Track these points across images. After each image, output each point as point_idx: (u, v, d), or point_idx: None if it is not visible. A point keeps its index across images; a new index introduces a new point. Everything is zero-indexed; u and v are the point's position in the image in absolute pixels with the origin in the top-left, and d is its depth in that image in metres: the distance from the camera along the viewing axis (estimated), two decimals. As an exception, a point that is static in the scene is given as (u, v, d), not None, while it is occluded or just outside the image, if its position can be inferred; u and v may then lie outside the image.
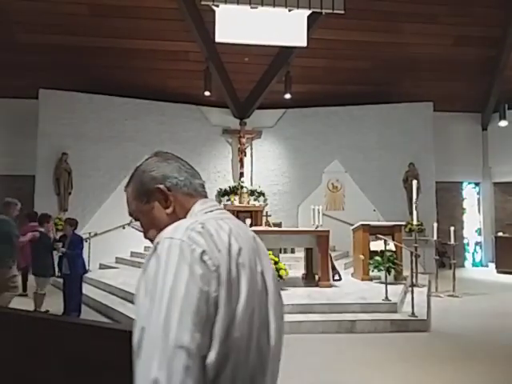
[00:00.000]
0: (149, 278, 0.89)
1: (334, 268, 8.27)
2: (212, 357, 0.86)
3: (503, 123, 12.47)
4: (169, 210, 1.10)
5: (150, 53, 10.87)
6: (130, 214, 1.16)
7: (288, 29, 8.63)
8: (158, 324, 0.83)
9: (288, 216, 12.20)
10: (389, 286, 6.78)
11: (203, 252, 0.90)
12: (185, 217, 1.07)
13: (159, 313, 0.84)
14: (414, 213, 9.30)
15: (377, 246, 8.20)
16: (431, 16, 10.59)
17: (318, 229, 8.25)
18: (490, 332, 6.12)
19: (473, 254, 13.58)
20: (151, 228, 1.09)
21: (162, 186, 1.10)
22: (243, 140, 12.37)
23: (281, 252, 8.83)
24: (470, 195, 13.69)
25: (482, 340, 5.75)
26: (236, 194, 12.08)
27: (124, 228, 11.26)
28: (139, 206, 1.13)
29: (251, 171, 12.63)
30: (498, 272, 11.80)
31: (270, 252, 7.40)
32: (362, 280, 8.40)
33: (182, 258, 0.89)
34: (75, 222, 6.76)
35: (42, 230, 6.54)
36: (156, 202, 1.10)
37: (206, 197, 1.15)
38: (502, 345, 5.55)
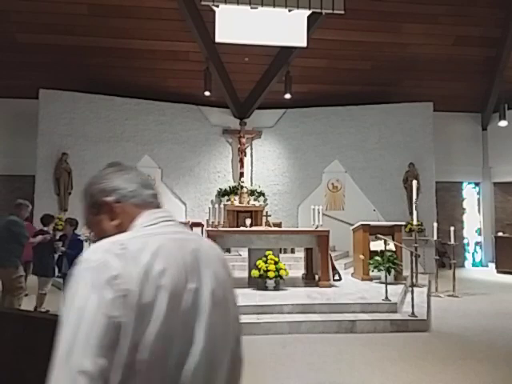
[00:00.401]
0: (66, 298, 0.93)
1: (333, 268, 8.27)
2: (116, 379, 0.88)
3: (503, 123, 12.44)
4: (114, 222, 1.11)
5: (149, 53, 10.87)
6: (87, 225, 1.18)
7: (288, 29, 8.61)
8: (63, 348, 0.87)
9: (288, 216, 12.20)
10: (389, 286, 6.78)
11: (115, 276, 0.91)
12: (130, 229, 1.09)
13: (65, 337, 0.88)
14: (414, 213, 9.29)
15: (377, 245, 8.20)
16: (431, 16, 10.58)
17: (318, 229, 8.24)
18: (489, 332, 6.11)
19: (473, 254, 13.58)
20: (101, 239, 1.09)
21: (107, 199, 1.12)
22: (243, 140, 12.37)
23: (281, 252, 8.82)
24: (470, 195, 13.69)
25: (482, 340, 5.74)
26: (236, 194, 12.08)
27: (124, 228, 11.28)
28: (90, 218, 1.15)
29: (251, 171, 12.63)
30: (498, 272, 11.81)
31: (270, 252, 7.42)
32: (362, 280, 8.41)
33: (92, 282, 0.90)
34: (76, 221, 6.77)
35: (45, 229, 6.58)
36: (105, 215, 1.12)
37: (157, 207, 1.15)
38: (501, 345, 5.54)
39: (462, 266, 12.84)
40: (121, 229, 1.09)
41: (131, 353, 0.89)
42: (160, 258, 0.97)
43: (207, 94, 11.04)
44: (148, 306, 0.92)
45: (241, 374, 1.17)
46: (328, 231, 7.94)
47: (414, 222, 9.37)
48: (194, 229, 10.05)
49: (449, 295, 8.44)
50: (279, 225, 10.67)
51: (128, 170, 1.19)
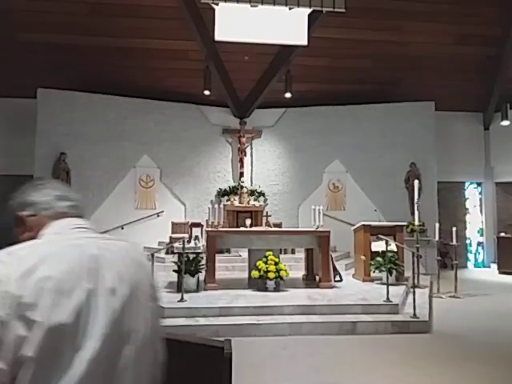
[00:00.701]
0: None
1: (334, 269, 8.20)
2: (7, 373, 0.97)
3: (505, 123, 12.43)
4: (28, 234, 1.21)
5: (149, 52, 10.81)
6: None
7: (288, 27, 8.54)
8: None
9: (288, 216, 12.13)
10: (390, 287, 6.74)
11: None
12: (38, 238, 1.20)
13: None
14: (416, 213, 9.20)
15: (378, 246, 8.14)
16: (433, 15, 10.52)
17: (319, 229, 8.17)
18: (491, 333, 6.06)
19: (475, 254, 13.51)
20: None
21: (23, 213, 1.23)
22: (243, 139, 12.31)
23: (281, 253, 8.77)
24: (472, 195, 13.63)
25: (484, 341, 5.69)
26: (236, 194, 12.02)
27: (123, 228, 11.22)
28: (15, 231, 1.26)
29: (251, 171, 12.57)
30: (500, 273, 11.74)
31: (270, 252, 7.36)
32: (364, 281, 8.35)
33: None
34: None
35: None
36: (22, 227, 1.23)
37: (75, 217, 1.25)
38: (503, 346, 5.49)
39: (464, 266, 12.79)
40: (34, 239, 1.18)
41: (18, 349, 0.97)
42: (47, 263, 1.04)
43: (207, 93, 10.98)
44: (30, 307, 0.99)
45: (159, 367, 1.24)
46: (329, 232, 7.88)
47: (416, 223, 9.29)
48: (194, 229, 9.98)
49: (450, 296, 8.38)
50: (279, 225, 10.62)
51: (46, 185, 1.29)
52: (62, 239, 1.15)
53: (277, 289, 7.19)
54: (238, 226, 10.48)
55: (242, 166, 12.30)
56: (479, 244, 13.53)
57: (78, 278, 1.06)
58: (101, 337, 1.04)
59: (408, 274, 8.18)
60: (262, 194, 12.23)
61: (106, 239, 1.22)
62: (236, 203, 11.74)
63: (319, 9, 8.20)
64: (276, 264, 7.22)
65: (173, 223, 10.91)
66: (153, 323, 1.20)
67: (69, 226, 1.21)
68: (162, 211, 11.69)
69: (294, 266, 9.20)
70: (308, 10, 8.35)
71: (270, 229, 8.80)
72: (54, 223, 1.21)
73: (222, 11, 8.27)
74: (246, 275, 8.04)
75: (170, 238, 10.02)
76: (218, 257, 7.82)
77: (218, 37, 8.50)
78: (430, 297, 8.13)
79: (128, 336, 1.10)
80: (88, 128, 11.15)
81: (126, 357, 1.10)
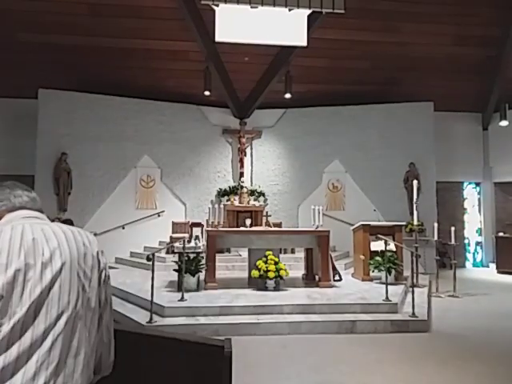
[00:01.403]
0: None
1: (334, 268, 8.24)
2: None
3: (504, 123, 12.45)
4: None
5: (149, 52, 10.84)
6: None
7: (288, 28, 8.57)
8: None
9: (288, 216, 12.17)
10: (389, 287, 6.77)
11: None
12: None
13: None
14: (415, 213, 9.26)
15: (377, 246, 8.17)
16: (432, 15, 10.54)
17: (319, 229, 8.21)
18: (490, 332, 6.09)
19: (473, 254, 13.55)
20: None
21: None
22: (243, 140, 12.34)
23: (281, 252, 8.80)
24: (471, 195, 13.67)
25: (483, 340, 5.72)
26: (236, 194, 12.05)
27: (123, 228, 11.26)
28: None
29: (251, 171, 12.60)
30: (499, 272, 11.78)
31: (270, 252, 7.40)
32: (363, 280, 8.38)
33: None
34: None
35: None
36: None
37: (32, 210, 1.46)
38: (502, 345, 5.52)
39: (463, 266, 12.82)
40: None
41: None
42: None
43: (207, 93, 11.02)
44: None
45: (100, 340, 1.39)
46: (328, 231, 7.91)
47: (415, 222, 9.35)
48: (194, 229, 10.03)
49: (449, 295, 8.41)
50: (279, 225, 10.65)
51: (7, 185, 1.50)
52: (10, 225, 1.31)
53: (276, 288, 7.23)
54: (238, 226, 10.52)
55: (242, 166, 12.34)
56: (478, 244, 13.57)
57: (16, 255, 1.21)
58: (29, 303, 1.18)
59: (407, 273, 8.23)
60: (261, 193, 12.27)
61: (53, 225, 1.39)
62: (236, 203, 11.77)
63: (319, 10, 8.23)
64: (276, 263, 7.26)
65: (173, 223, 10.95)
66: (89, 296, 1.33)
67: (20, 216, 1.39)
68: (163, 211, 11.73)
69: (294, 265, 9.24)
70: (307, 11, 8.38)
71: (269, 229, 8.83)
72: (8, 214, 1.41)
73: (222, 12, 8.30)
74: (245, 275, 8.07)
75: (171, 237, 10.05)
76: (218, 256, 7.86)
77: (218, 38, 8.52)
78: (429, 296, 8.17)
79: (56, 303, 1.23)
80: (89, 128, 11.19)
81: (55, 321, 1.22)
